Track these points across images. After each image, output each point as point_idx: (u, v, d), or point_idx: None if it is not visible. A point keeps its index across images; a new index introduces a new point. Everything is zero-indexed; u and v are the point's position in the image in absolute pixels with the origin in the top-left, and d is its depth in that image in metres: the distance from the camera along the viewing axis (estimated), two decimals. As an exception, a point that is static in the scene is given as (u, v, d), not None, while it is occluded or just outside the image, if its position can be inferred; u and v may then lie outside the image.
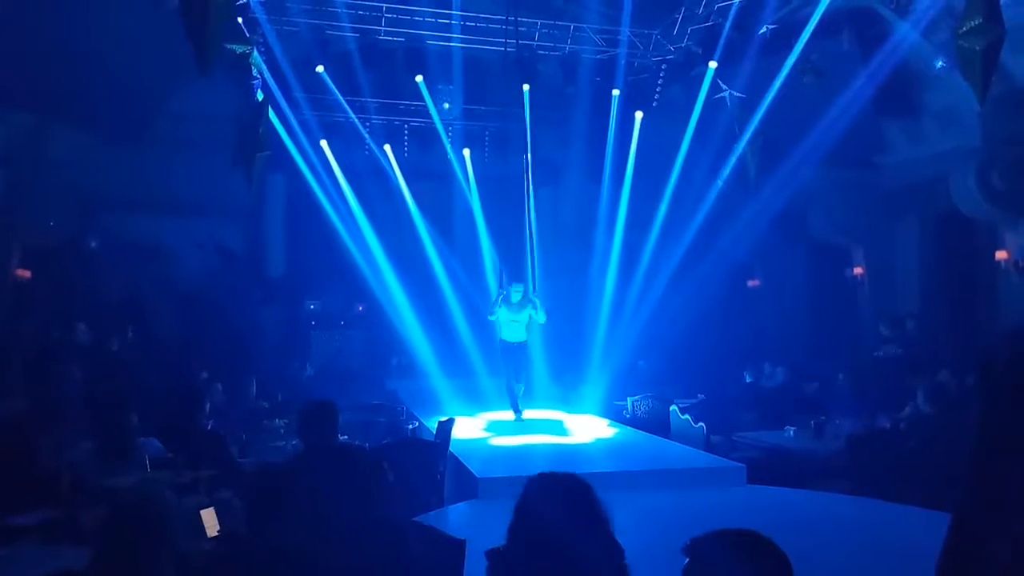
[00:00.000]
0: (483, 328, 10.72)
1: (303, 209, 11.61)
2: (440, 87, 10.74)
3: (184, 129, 10.74)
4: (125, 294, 10.88)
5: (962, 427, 5.31)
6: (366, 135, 11.40)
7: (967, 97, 6.27)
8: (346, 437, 6.04)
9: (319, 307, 13.01)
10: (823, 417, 7.37)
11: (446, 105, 11.24)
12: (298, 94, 10.05)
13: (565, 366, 11.22)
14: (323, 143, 10.98)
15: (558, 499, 2.08)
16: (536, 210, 11.97)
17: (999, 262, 9.65)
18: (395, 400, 10.04)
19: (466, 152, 11.87)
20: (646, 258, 11.28)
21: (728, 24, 8.62)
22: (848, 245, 12.19)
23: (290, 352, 11.82)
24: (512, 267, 10.86)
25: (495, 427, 8.83)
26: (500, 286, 10.30)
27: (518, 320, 9.27)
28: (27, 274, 10.58)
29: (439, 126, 11.11)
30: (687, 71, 9.80)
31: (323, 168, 11.06)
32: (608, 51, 9.96)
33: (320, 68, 9.53)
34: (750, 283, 13.67)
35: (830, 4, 7.90)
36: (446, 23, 9.26)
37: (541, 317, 9.29)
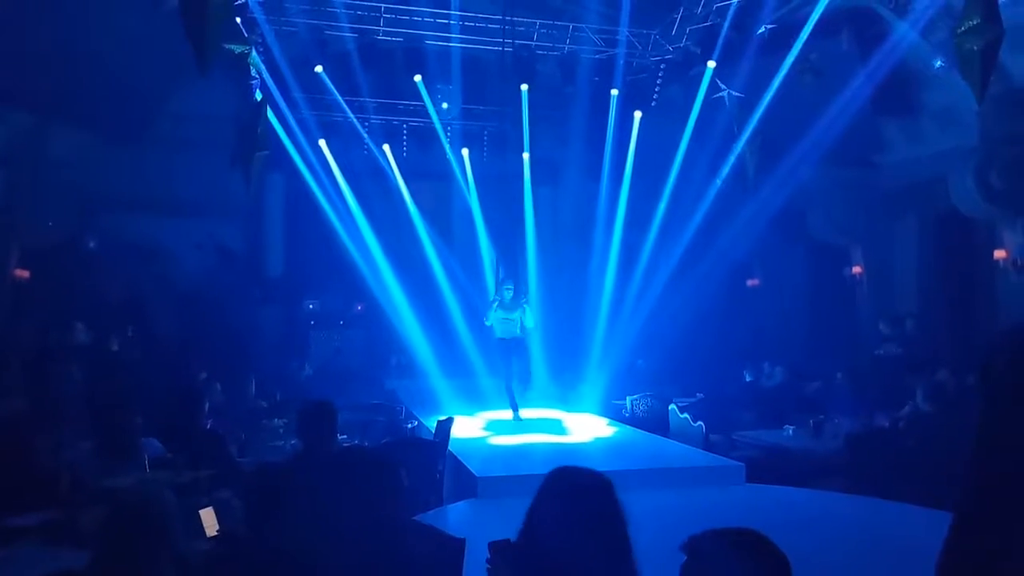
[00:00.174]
0: (482, 327, 10.72)
1: (302, 209, 11.60)
2: (439, 87, 10.73)
3: (183, 129, 10.73)
4: (124, 294, 10.87)
5: (961, 426, 5.33)
6: (365, 135, 11.40)
7: (966, 96, 6.27)
8: (345, 437, 6.05)
9: (318, 307, 13.01)
10: (822, 416, 7.38)
11: (445, 105, 11.23)
12: (297, 94, 10.04)
13: (564, 365, 11.23)
14: (322, 143, 10.97)
15: (577, 494, 2.05)
16: (535, 209, 12.00)
17: (998, 261, 9.66)
18: (394, 400, 10.05)
19: (465, 152, 11.87)
20: (645, 257, 11.30)
21: (727, 24, 8.62)
22: (847, 244, 12.20)
23: (289, 352, 11.82)
24: (510, 260, 10.91)
25: (494, 426, 8.84)
26: (497, 278, 10.32)
27: (512, 318, 9.32)
28: (26, 274, 10.58)
29: (438, 126, 11.11)
30: (686, 71, 9.79)
31: (322, 168, 11.05)
32: (607, 51, 9.95)
33: (319, 68, 9.52)
34: (749, 282, 13.68)
35: (829, 4, 7.90)
36: (445, 23, 9.25)
37: (529, 321, 9.37)
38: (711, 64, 9.08)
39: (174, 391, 6.12)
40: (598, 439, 8.19)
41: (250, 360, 9.73)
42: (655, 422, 8.85)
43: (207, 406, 5.57)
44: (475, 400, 10.20)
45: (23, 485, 4.01)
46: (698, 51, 9.28)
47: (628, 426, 8.89)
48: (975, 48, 5.46)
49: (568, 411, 10.03)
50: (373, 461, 2.77)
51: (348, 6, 8.90)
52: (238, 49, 7.57)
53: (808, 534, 4.50)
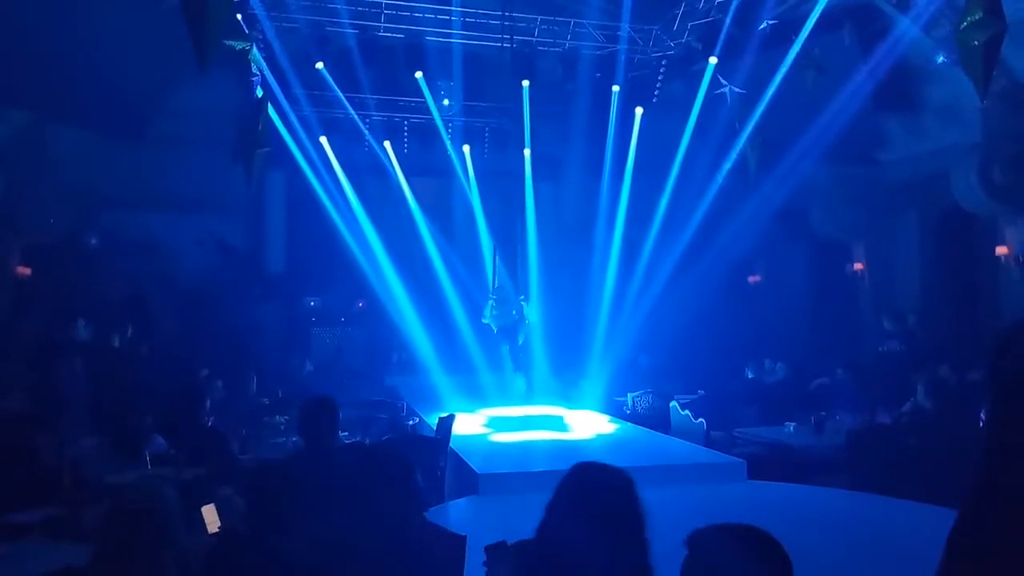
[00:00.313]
0: (483, 324, 10.76)
1: (303, 206, 11.60)
2: (440, 83, 10.72)
3: (184, 126, 10.72)
4: (125, 291, 10.89)
5: (962, 422, 5.33)
6: (366, 131, 11.39)
7: (968, 92, 6.25)
8: (346, 433, 6.05)
9: (319, 304, 13.02)
10: (823, 413, 7.37)
11: (446, 101, 11.22)
12: (298, 90, 10.04)
13: (565, 362, 11.23)
14: (323, 139, 10.97)
15: (600, 491, 2.02)
16: (536, 206, 12.00)
17: (1000, 257, 9.64)
18: (396, 396, 10.06)
19: (466, 148, 11.87)
20: (646, 254, 11.29)
21: (728, 20, 8.60)
22: (849, 241, 12.18)
23: (290, 348, 11.83)
24: (508, 253, 10.93)
25: (495, 423, 8.84)
26: (495, 268, 10.34)
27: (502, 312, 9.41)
28: (27, 271, 10.59)
29: (439, 122, 11.10)
30: (687, 67, 9.77)
31: (323, 165, 11.06)
32: (608, 47, 9.93)
33: (320, 64, 9.51)
34: (751, 279, 13.67)
35: (830, -1, 7.89)
36: (446, 19, 9.24)
37: (532, 316, 9.46)
38: (713, 60, 9.07)
39: (176, 388, 6.12)
40: (599, 436, 8.19)
41: (251, 357, 9.74)
42: (656, 419, 8.85)
43: (208, 403, 5.57)
44: (476, 397, 10.21)
45: (26, 481, 4.02)
46: (699, 47, 9.26)
47: (629, 423, 8.89)
48: (978, 43, 5.43)
49: (569, 408, 10.03)
50: (389, 460, 2.77)
51: (349, 2, 8.89)
52: (239, 46, 7.56)
53: (809, 531, 4.51)
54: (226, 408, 6.73)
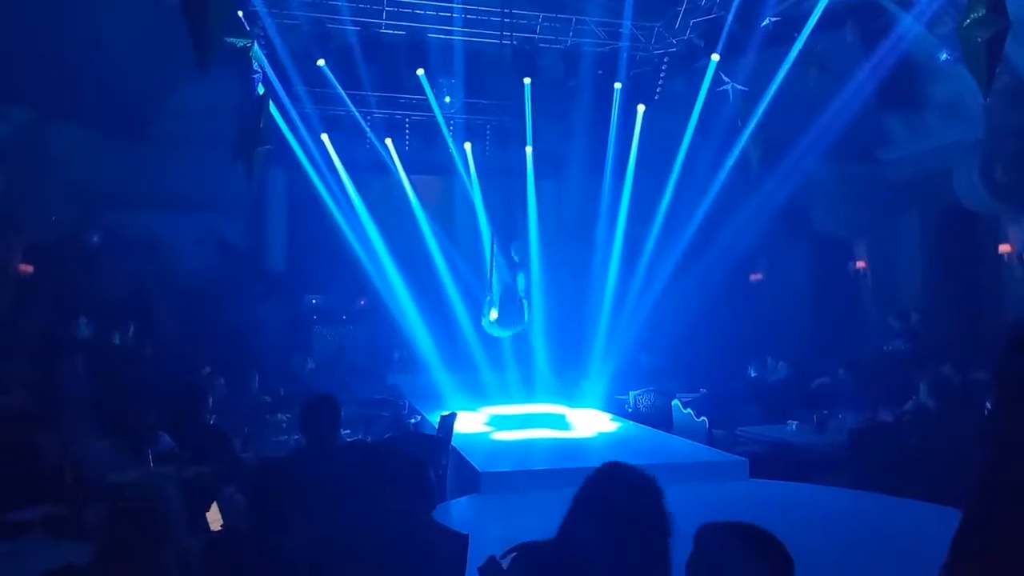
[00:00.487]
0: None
1: (304, 203, 11.60)
2: (441, 80, 10.70)
3: (185, 124, 10.72)
4: (127, 289, 10.90)
5: (965, 421, 5.32)
6: (367, 129, 11.39)
7: (971, 90, 6.24)
8: (348, 432, 6.05)
9: (321, 302, 13.03)
10: (826, 411, 7.36)
11: (447, 99, 11.20)
12: (299, 88, 10.04)
13: (567, 360, 11.23)
14: (324, 137, 10.96)
15: (628, 492, 2.00)
16: (538, 204, 11.98)
17: (1002, 256, 9.62)
18: (397, 394, 10.07)
19: (467, 146, 11.85)
20: (648, 252, 11.28)
21: (730, 17, 8.57)
22: (851, 239, 12.16)
23: (292, 347, 11.84)
24: (504, 239, 10.91)
25: (497, 421, 8.84)
26: (492, 254, 10.31)
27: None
28: (29, 269, 10.60)
29: (440, 120, 11.09)
30: (689, 64, 9.75)
31: (324, 162, 11.05)
32: (610, 44, 9.91)
33: (321, 62, 9.50)
34: (753, 277, 13.65)
35: (833, -4, 7.86)
36: (447, 16, 9.23)
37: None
38: (715, 57, 9.05)
39: (177, 386, 6.13)
40: (601, 434, 8.19)
41: (253, 355, 9.74)
42: (658, 417, 8.84)
43: (210, 401, 5.58)
44: (478, 395, 10.21)
45: (27, 479, 4.02)
46: (702, 44, 9.24)
47: (631, 421, 8.89)
48: (981, 40, 5.40)
49: (571, 406, 10.03)
50: (400, 458, 2.77)
51: (350, -1, 8.88)
52: (240, 43, 7.53)
53: (811, 529, 4.50)
54: (228, 406, 6.73)
